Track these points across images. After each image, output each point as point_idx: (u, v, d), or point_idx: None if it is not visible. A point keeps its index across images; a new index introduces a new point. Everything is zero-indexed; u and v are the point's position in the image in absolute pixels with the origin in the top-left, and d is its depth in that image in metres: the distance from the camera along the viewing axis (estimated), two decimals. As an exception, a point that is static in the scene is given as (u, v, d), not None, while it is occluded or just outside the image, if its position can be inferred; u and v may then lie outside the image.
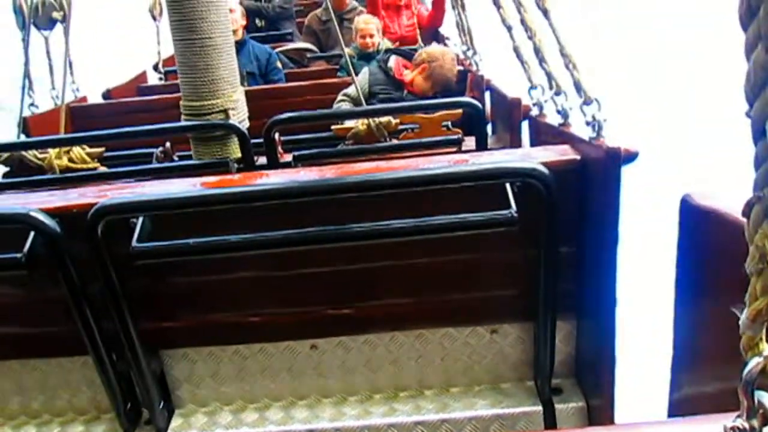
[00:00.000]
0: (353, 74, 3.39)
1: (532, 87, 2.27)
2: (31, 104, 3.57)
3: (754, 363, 0.66)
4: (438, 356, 2.04)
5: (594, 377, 1.92)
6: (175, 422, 2.06)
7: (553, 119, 2.15)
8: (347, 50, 3.70)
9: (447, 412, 2.00)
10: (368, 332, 2.01)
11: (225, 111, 2.68)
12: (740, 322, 0.67)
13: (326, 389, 2.07)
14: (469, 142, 2.88)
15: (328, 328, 2.00)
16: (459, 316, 2.00)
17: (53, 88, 3.69)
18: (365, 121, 2.90)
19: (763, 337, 0.67)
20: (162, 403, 2.02)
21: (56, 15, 3.57)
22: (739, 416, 0.67)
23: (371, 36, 4.68)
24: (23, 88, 3.38)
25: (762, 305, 0.65)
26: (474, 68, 3.78)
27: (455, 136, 2.87)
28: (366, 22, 4.71)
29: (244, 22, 5.17)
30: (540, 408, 1.99)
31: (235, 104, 2.71)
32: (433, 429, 1.98)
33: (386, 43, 4.93)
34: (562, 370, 2.04)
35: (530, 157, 1.83)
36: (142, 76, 5.10)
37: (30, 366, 2.07)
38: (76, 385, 2.09)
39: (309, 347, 2.03)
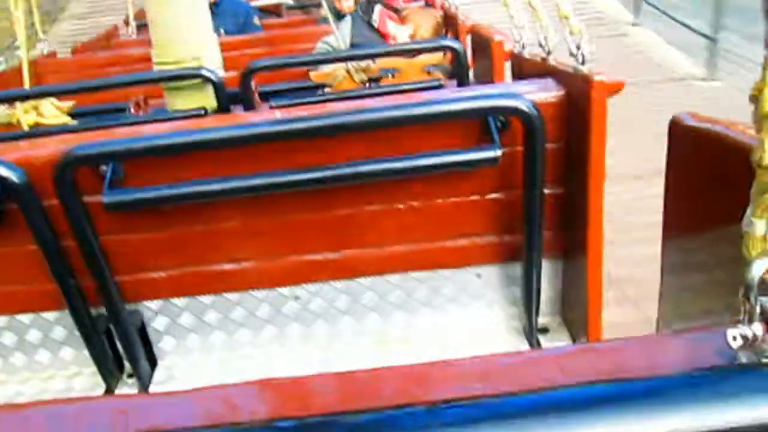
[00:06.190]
0: (333, 24, 3.31)
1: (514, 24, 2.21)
2: None
3: (758, 266, 0.62)
4: (423, 299, 2.02)
5: (580, 316, 1.91)
6: (159, 374, 2.02)
7: (535, 56, 2.10)
8: (325, 5, 3.61)
9: (435, 356, 1.99)
10: (352, 277, 1.97)
11: (198, 58, 2.58)
12: (743, 222, 0.63)
13: (312, 336, 2.04)
14: (451, 85, 2.81)
15: (312, 274, 1.96)
16: (444, 258, 1.97)
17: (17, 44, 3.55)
18: (344, 66, 2.82)
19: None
20: (144, 356, 1.99)
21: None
22: (740, 323, 0.63)
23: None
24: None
25: None
26: (453, 10, 3.70)
27: (436, 80, 2.81)
28: None
29: None
30: (527, 348, 1.98)
31: (207, 51, 2.62)
32: None
33: None
34: (549, 310, 2.03)
35: (512, 91, 1.78)
36: (113, 31, 4.94)
37: (7, 323, 2.02)
38: (56, 340, 2.04)
39: (293, 293, 1.99)
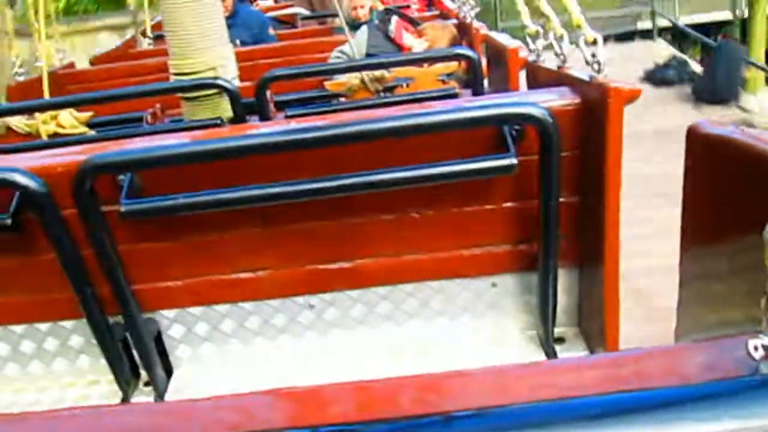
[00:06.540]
0: (348, 33, 3.32)
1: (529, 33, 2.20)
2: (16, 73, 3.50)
3: None
4: (439, 308, 2.01)
5: (597, 326, 1.89)
6: (175, 383, 2.03)
7: (551, 65, 2.09)
8: (340, 15, 3.61)
9: (451, 365, 1.97)
10: (367, 286, 1.97)
11: (214, 68, 2.61)
12: (764, 230, 0.62)
13: (327, 345, 2.04)
14: (466, 95, 2.81)
15: (327, 283, 1.96)
16: (459, 267, 1.96)
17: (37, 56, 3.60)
18: (359, 75, 2.83)
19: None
20: (160, 365, 2.00)
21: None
22: (761, 332, 0.62)
23: (362, 7, 4.56)
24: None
25: None
26: (468, 21, 3.70)
27: (451, 89, 2.81)
28: None
29: None
30: (543, 358, 1.96)
31: (223, 61, 2.64)
32: None
33: (380, 7, 4.80)
34: (565, 319, 2.01)
35: (528, 99, 1.77)
36: (131, 43, 5.00)
37: (26, 331, 2.03)
38: (73, 349, 2.05)
39: (307, 302, 1.99)
